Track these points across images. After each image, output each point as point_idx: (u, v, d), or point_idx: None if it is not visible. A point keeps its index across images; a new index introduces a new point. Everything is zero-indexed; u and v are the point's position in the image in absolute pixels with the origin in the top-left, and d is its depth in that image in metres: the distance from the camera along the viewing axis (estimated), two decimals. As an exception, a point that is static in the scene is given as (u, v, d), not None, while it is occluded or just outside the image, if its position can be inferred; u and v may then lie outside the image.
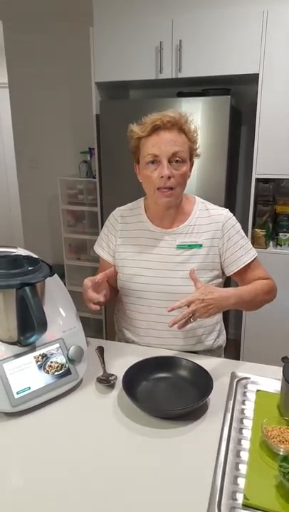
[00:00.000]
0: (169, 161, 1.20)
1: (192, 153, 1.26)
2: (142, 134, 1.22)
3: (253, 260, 1.34)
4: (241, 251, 1.33)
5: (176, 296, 1.28)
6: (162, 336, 1.34)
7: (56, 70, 3.19)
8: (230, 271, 1.34)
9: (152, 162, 1.22)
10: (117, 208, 1.45)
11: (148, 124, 1.21)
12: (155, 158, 1.21)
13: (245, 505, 0.75)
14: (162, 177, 1.20)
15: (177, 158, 1.20)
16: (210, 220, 1.32)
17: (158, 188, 1.23)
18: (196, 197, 1.39)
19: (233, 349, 2.59)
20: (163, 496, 0.78)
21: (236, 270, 1.33)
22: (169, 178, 1.20)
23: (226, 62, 2.28)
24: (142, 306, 1.34)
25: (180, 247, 1.31)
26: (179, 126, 1.21)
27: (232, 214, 1.36)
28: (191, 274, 1.19)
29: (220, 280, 1.36)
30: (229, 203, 2.56)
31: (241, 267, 1.32)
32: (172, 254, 1.31)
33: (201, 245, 1.30)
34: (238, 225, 1.35)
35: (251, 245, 1.36)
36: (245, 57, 2.24)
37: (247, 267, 1.33)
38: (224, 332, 1.47)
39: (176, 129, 1.20)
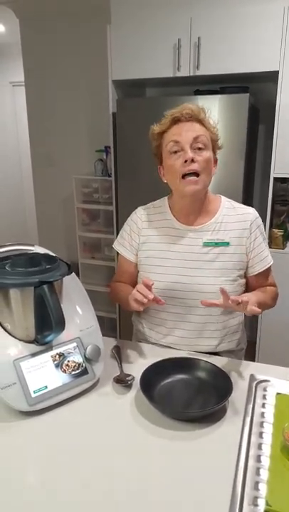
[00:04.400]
0: (192, 147, 1.20)
1: (214, 146, 1.26)
2: (162, 128, 1.24)
3: (271, 264, 1.35)
4: (266, 252, 1.33)
5: (201, 295, 1.27)
6: (186, 335, 1.32)
7: (72, 69, 3.19)
8: (253, 271, 1.32)
9: (175, 152, 1.22)
10: (140, 207, 1.43)
11: (167, 117, 1.23)
12: (177, 145, 1.21)
13: (267, 512, 0.73)
14: (186, 161, 1.19)
15: (199, 145, 1.21)
16: (237, 218, 1.31)
17: (183, 177, 1.22)
18: (221, 196, 1.37)
19: (248, 350, 2.56)
20: (182, 501, 0.76)
21: (261, 270, 1.32)
22: (193, 161, 1.20)
23: (244, 60, 2.25)
24: (167, 304, 1.31)
25: (206, 244, 1.29)
26: (198, 118, 1.22)
27: (258, 214, 1.34)
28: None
29: (244, 280, 1.34)
30: (247, 203, 2.52)
31: (267, 267, 1.32)
32: (198, 252, 1.30)
33: (228, 243, 1.29)
34: (263, 226, 1.34)
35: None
36: (264, 55, 2.21)
37: (266, 270, 1.34)
38: (245, 334, 1.45)
39: (195, 121, 1.22)
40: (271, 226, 2.48)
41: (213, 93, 2.43)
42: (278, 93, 2.24)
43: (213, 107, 2.30)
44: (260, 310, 1.09)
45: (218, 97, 2.33)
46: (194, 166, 1.20)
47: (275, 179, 2.41)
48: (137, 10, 2.42)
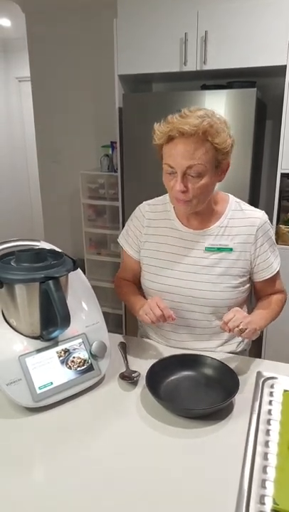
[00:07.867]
0: (186, 173, 1.11)
1: (220, 160, 1.13)
2: (158, 141, 1.14)
3: (276, 271, 1.29)
4: (271, 258, 1.26)
5: (200, 300, 1.24)
6: (183, 339, 1.30)
7: (79, 63, 3.18)
8: (258, 278, 1.28)
9: (170, 173, 1.14)
10: (144, 202, 1.38)
11: (164, 132, 1.10)
12: (171, 169, 1.13)
13: (274, 510, 0.73)
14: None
15: (193, 173, 1.11)
16: (244, 223, 1.23)
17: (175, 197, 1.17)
18: (229, 195, 1.30)
19: (254, 347, 2.54)
20: (188, 499, 0.76)
21: (265, 278, 1.27)
22: (184, 192, 1.13)
23: (252, 54, 2.23)
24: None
25: (208, 249, 1.23)
26: (200, 134, 1.07)
27: (267, 217, 1.27)
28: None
29: (248, 285, 1.29)
30: (253, 199, 2.51)
31: (271, 275, 1.27)
32: (199, 257, 1.24)
33: (231, 249, 1.22)
34: (272, 231, 1.27)
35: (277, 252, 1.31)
36: (272, 49, 2.18)
37: (272, 277, 1.28)
38: None
39: (196, 139, 1.07)
40: (278, 222, 2.46)
41: (220, 88, 2.41)
42: (286, 88, 2.21)
43: (220, 102, 2.28)
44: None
45: (225, 91, 2.31)
46: (185, 197, 1.14)
47: (283, 175, 2.38)
48: (144, 4, 2.40)
